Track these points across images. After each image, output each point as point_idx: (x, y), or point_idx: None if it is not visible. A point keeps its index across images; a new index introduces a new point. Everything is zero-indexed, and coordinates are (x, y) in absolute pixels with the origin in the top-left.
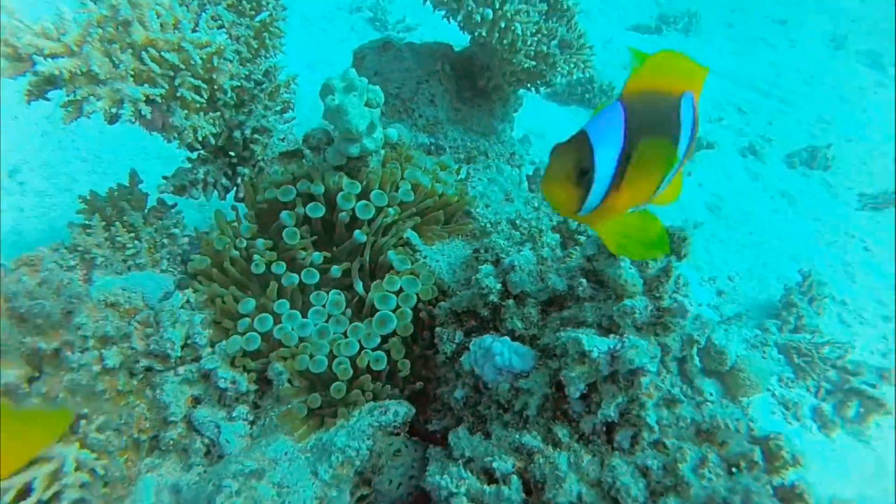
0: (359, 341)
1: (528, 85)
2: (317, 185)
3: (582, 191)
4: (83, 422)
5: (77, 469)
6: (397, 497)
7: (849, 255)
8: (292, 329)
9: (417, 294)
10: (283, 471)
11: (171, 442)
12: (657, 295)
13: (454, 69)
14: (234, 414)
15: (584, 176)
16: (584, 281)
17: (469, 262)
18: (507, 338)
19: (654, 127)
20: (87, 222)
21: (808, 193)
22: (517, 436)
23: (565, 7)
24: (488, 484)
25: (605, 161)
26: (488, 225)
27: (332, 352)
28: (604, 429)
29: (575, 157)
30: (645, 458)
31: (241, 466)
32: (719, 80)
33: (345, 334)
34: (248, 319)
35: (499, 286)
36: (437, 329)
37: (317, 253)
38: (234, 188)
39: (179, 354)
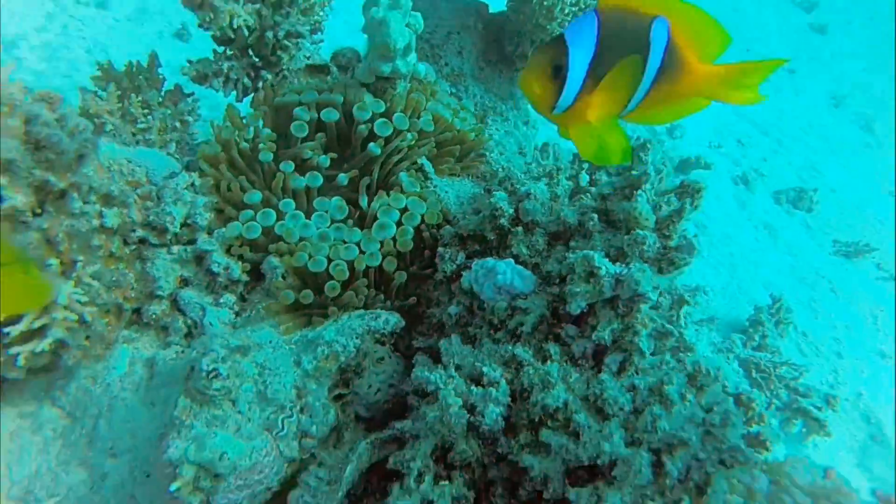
0: (357, 245)
1: None
2: (337, 95)
3: (556, 87)
4: (79, 264)
5: (66, 307)
6: (374, 402)
7: (816, 293)
8: (294, 227)
9: (422, 215)
10: (267, 355)
11: (154, 317)
12: (666, 234)
13: (486, 29)
14: (221, 300)
15: (558, 73)
16: (595, 216)
17: (477, 196)
18: (511, 259)
19: (622, 39)
20: (99, 90)
21: (789, 230)
22: (510, 347)
23: None
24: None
25: (577, 61)
26: (500, 170)
27: (329, 256)
28: (592, 354)
29: (552, 54)
30: (632, 379)
31: (225, 341)
32: (725, 110)
33: (344, 241)
34: (251, 211)
35: (511, 211)
36: (440, 249)
37: (324, 156)
38: (254, 92)
39: (178, 231)
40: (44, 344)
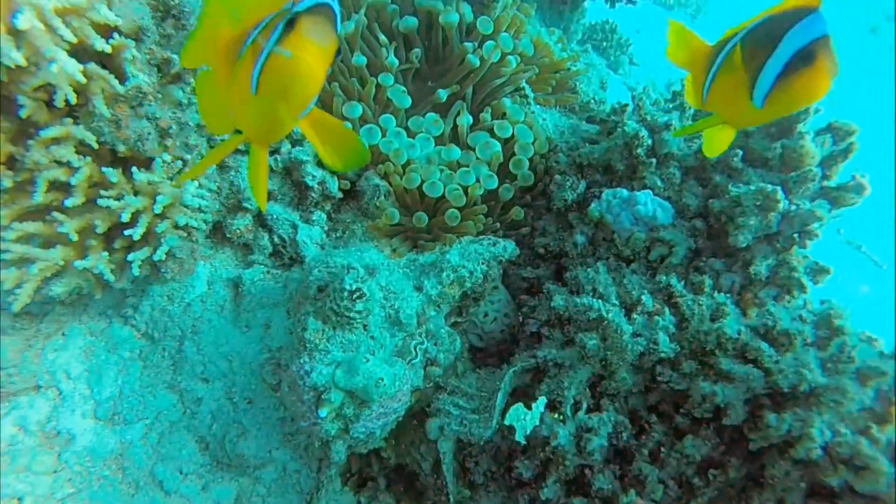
0: (459, 163)
1: None
2: (436, 1)
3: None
4: (188, 163)
5: (188, 211)
6: (489, 331)
7: None
8: (402, 147)
9: (533, 144)
10: (386, 277)
11: (237, 232)
12: (828, 174)
13: None
14: (312, 217)
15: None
16: (740, 151)
17: (576, 128)
18: (648, 191)
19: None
20: None
21: None
22: (664, 278)
23: None
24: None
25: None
26: (592, 101)
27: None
28: (738, 289)
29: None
30: (799, 311)
31: (352, 260)
32: None
33: (450, 166)
34: (349, 125)
35: (650, 141)
36: (557, 177)
37: (394, 57)
38: None
39: None
40: (161, 251)
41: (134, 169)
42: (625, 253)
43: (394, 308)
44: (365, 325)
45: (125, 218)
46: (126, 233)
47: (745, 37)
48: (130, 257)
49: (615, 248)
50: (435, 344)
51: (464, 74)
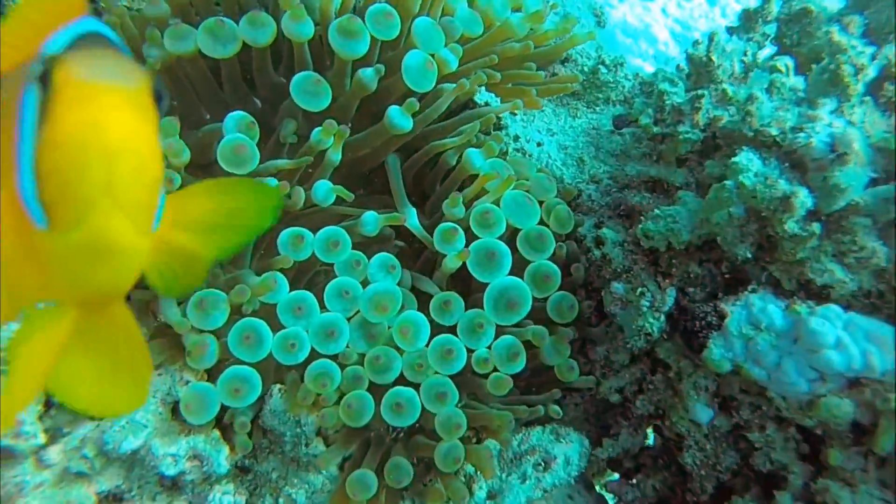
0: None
1: None
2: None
3: None
4: None
5: None
6: None
7: None
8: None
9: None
10: None
11: None
12: None
13: None
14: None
15: None
16: None
17: (598, 136)
18: (833, 305)
19: None
20: None
21: None
22: None
23: None
24: None
25: None
26: (601, 68)
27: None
28: None
29: None
30: None
31: None
32: None
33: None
34: (212, 338)
35: (810, 200)
36: (616, 287)
37: (272, 178)
38: None
39: (41, 443)
40: None
41: None
42: (802, 422)
43: None
44: None
45: None
46: None
47: None
48: None
49: (773, 408)
50: None
51: (385, 140)
